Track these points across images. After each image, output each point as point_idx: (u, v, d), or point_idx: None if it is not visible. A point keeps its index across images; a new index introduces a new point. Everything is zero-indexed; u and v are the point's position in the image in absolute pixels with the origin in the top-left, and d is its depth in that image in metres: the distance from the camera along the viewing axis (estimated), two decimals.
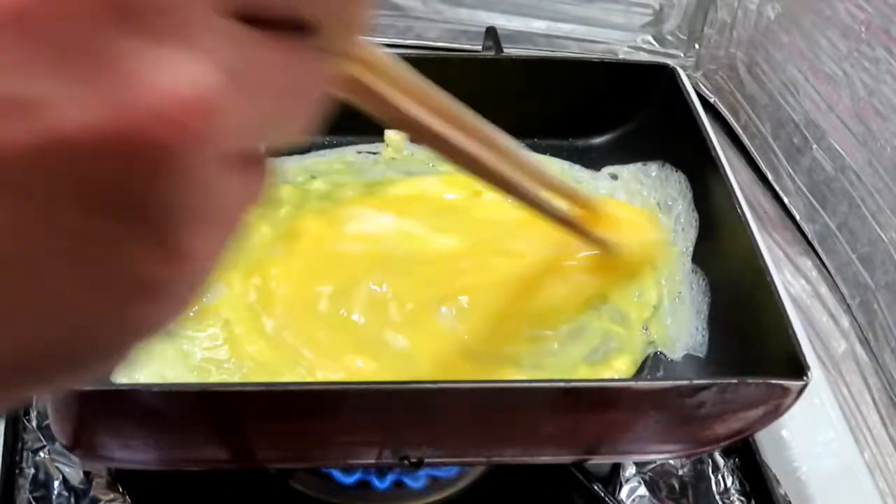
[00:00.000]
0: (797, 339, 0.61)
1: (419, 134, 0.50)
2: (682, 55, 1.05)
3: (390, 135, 0.80)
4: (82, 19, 0.19)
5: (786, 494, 0.73)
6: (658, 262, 0.72)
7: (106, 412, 0.55)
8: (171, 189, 0.21)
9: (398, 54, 0.79)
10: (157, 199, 0.21)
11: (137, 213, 0.21)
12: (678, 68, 0.81)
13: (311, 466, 0.66)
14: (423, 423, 0.58)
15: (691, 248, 0.74)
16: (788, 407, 0.60)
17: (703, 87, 1.04)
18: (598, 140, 0.83)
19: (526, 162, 0.59)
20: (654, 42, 1.05)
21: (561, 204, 0.63)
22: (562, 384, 0.59)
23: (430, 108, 0.51)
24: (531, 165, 0.60)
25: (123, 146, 0.20)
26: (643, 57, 1.05)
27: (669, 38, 1.05)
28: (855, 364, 0.83)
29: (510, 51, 0.94)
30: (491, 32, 0.90)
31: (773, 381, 0.58)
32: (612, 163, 0.81)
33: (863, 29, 0.85)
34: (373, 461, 0.61)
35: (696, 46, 1.04)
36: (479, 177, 0.55)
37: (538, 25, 1.04)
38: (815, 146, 0.90)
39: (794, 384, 0.59)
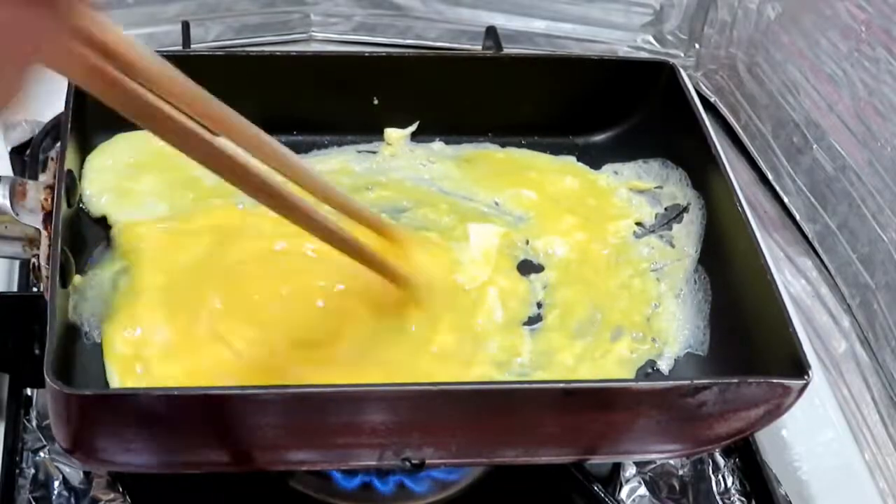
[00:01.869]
0: (798, 339, 0.61)
1: (175, 137, 0.47)
2: (682, 55, 1.05)
3: (390, 132, 0.80)
4: None
5: (786, 494, 0.73)
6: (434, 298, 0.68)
7: (106, 416, 0.55)
8: None
9: (398, 54, 0.79)
10: None
11: None
12: (678, 66, 0.81)
13: (313, 469, 0.66)
14: (424, 424, 0.58)
15: (693, 247, 0.74)
16: (789, 406, 0.60)
17: (703, 86, 1.04)
18: (598, 137, 0.83)
19: (319, 184, 0.56)
20: (654, 42, 1.05)
21: (356, 232, 0.61)
22: (562, 385, 0.59)
23: (190, 109, 0.48)
24: (325, 189, 0.57)
25: None
26: (643, 57, 1.05)
27: (669, 37, 1.05)
28: (855, 364, 0.83)
29: (510, 51, 0.94)
30: (491, 32, 0.90)
31: (774, 381, 0.58)
32: (613, 160, 0.81)
33: (863, 29, 0.85)
34: (374, 463, 0.60)
35: (697, 46, 1.04)
36: (259, 197, 0.52)
37: (538, 25, 1.04)
38: (815, 146, 0.90)
39: (794, 383, 0.59)
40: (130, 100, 0.45)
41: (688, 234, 0.75)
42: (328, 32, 1.03)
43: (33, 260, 0.63)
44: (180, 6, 0.98)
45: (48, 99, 0.78)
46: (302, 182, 0.56)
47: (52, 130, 0.84)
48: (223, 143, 0.50)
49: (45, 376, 0.52)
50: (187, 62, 0.78)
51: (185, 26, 0.88)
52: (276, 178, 0.54)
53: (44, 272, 0.61)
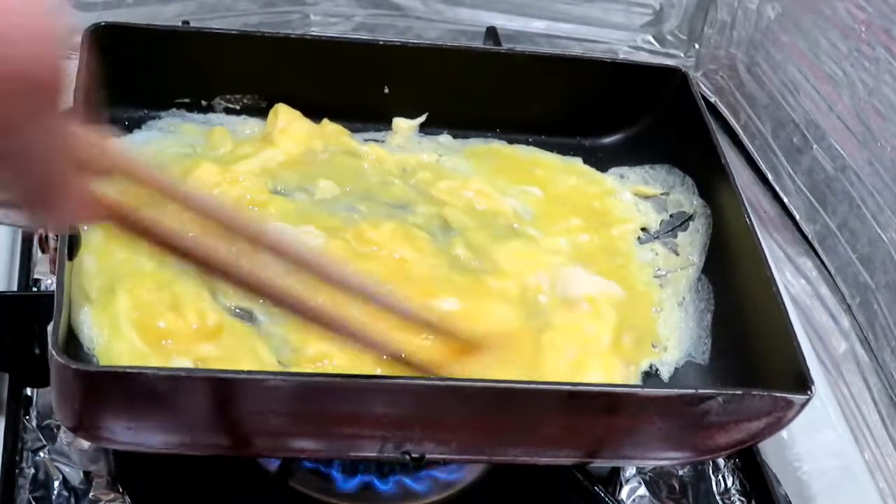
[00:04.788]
0: (802, 353, 0.61)
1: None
2: (682, 55, 1.05)
3: (398, 122, 0.80)
4: None
5: (786, 494, 0.73)
6: None
7: (110, 393, 0.54)
8: None
9: (413, 45, 0.77)
10: None
11: None
12: (689, 72, 0.80)
13: (313, 457, 0.66)
14: (427, 418, 0.58)
15: (697, 256, 0.74)
16: (790, 420, 0.60)
17: (703, 87, 1.04)
18: (606, 140, 0.82)
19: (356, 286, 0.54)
20: (654, 42, 1.05)
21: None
22: (568, 387, 0.59)
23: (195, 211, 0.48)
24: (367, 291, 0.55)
25: None
26: (643, 56, 1.05)
27: (669, 37, 1.05)
28: (855, 364, 0.83)
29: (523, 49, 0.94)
30: (491, 32, 0.90)
31: (777, 394, 0.58)
32: (620, 164, 0.81)
33: (863, 29, 0.85)
34: (374, 455, 0.60)
35: (696, 46, 1.04)
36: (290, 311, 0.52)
37: (538, 25, 1.04)
38: (815, 146, 0.90)
39: (797, 398, 0.59)
40: (148, 231, 0.45)
41: (692, 243, 0.75)
42: (328, 33, 1.02)
43: (41, 231, 0.62)
44: (180, 6, 0.98)
45: None
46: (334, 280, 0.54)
47: None
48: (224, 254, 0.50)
49: (51, 349, 0.52)
50: (199, 38, 0.78)
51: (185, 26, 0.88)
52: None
53: (51, 244, 0.61)
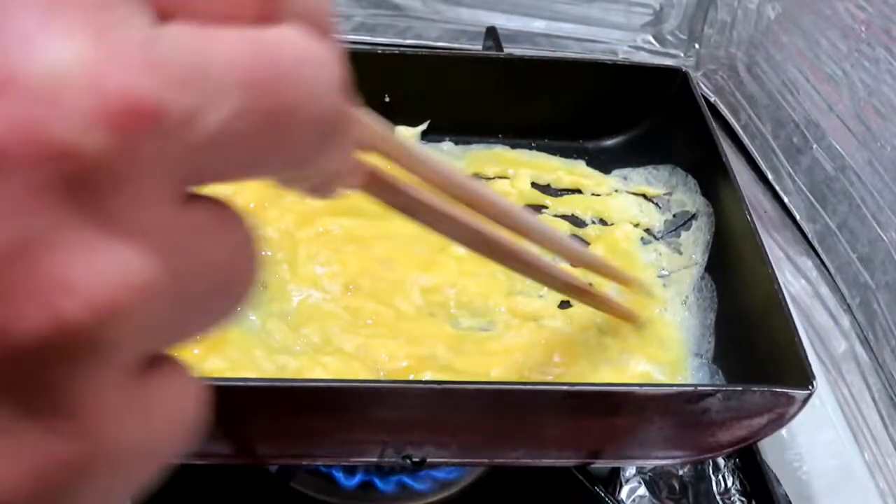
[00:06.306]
0: (803, 349, 0.61)
1: (420, 215, 0.47)
2: (682, 55, 1.05)
3: (400, 130, 0.80)
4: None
5: (786, 494, 0.73)
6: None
7: None
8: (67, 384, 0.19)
9: (412, 52, 0.78)
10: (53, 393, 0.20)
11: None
12: (690, 72, 0.80)
13: (313, 464, 0.66)
14: (427, 422, 0.58)
15: (700, 255, 0.74)
16: (793, 416, 0.60)
17: (703, 87, 1.04)
18: (608, 142, 0.82)
19: (539, 231, 0.57)
20: (654, 42, 1.05)
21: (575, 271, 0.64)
22: (566, 387, 0.59)
23: (434, 184, 0.47)
24: (546, 235, 0.58)
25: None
26: (643, 56, 1.05)
27: (669, 37, 1.05)
28: (855, 364, 0.83)
29: (511, 51, 0.94)
30: (491, 32, 0.90)
31: (778, 389, 0.58)
32: (622, 165, 0.81)
33: (863, 29, 0.85)
34: (375, 459, 0.60)
35: (696, 46, 1.04)
36: (486, 254, 0.53)
37: (538, 25, 1.04)
38: (815, 146, 0.90)
39: (798, 393, 0.59)
40: (397, 195, 0.44)
41: (695, 242, 0.75)
42: None
43: None
44: None
45: None
46: (539, 241, 0.57)
47: None
48: (475, 221, 0.50)
49: None
50: None
51: None
52: (514, 240, 0.54)
53: None
